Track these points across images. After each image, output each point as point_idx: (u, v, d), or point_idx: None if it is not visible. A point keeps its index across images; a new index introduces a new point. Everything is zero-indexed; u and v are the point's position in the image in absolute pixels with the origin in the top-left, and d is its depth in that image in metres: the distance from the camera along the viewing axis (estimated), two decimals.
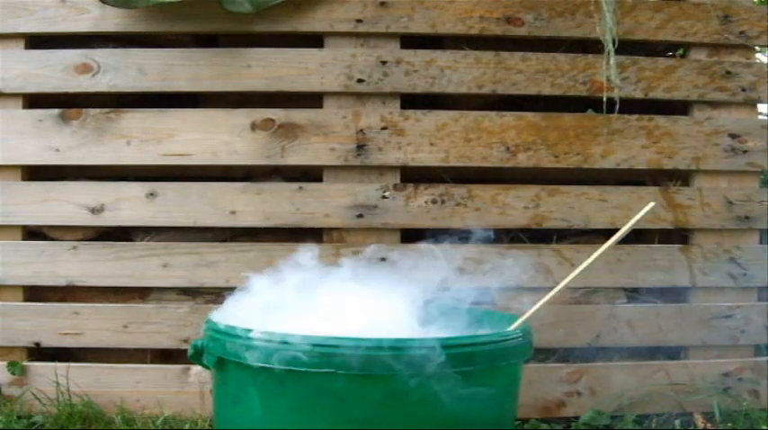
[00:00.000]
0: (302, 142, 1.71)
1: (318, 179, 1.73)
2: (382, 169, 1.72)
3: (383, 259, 1.59)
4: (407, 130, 1.72)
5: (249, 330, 1.11)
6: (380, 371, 1.05)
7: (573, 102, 1.77)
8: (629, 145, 1.74)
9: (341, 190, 1.71)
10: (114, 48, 1.73)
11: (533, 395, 1.70)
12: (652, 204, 1.25)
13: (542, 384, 1.71)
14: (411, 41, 1.74)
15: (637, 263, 1.73)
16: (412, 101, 1.75)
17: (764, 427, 1.63)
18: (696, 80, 1.76)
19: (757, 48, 1.84)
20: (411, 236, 1.71)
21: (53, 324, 1.69)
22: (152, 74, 1.70)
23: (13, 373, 1.67)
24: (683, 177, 1.80)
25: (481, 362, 1.10)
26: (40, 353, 1.70)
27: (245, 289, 1.28)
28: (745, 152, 1.76)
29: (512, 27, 1.74)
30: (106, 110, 1.71)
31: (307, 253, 1.31)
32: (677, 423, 1.67)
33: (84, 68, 1.70)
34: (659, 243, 1.77)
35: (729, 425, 1.66)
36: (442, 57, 1.73)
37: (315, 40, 1.73)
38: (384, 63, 1.72)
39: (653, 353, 1.77)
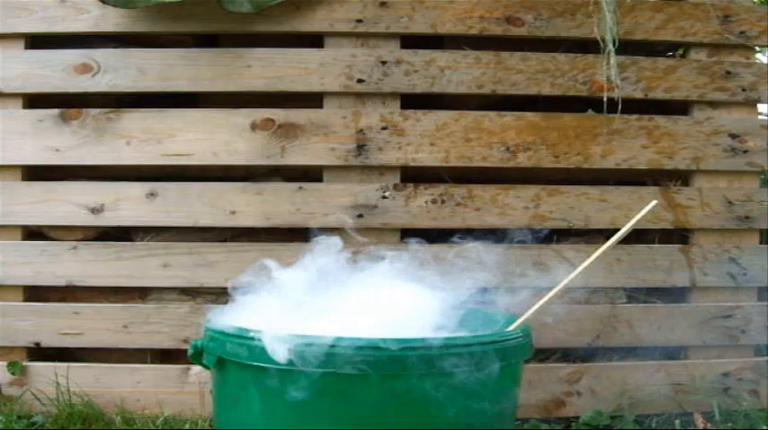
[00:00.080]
0: (302, 142, 1.71)
1: (318, 179, 1.73)
2: (382, 169, 1.72)
3: (383, 259, 1.59)
4: (407, 130, 1.72)
5: (249, 330, 1.11)
6: (380, 370, 1.05)
7: (573, 102, 1.77)
8: (629, 145, 1.75)
9: (341, 190, 1.71)
10: (114, 48, 1.73)
11: (533, 395, 1.70)
12: (654, 202, 1.25)
13: (542, 384, 1.71)
14: (411, 41, 1.74)
15: (637, 263, 1.73)
16: (412, 101, 1.75)
17: (764, 427, 1.63)
18: (696, 80, 1.77)
19: (757, 48, 1.84)
20: (411, 236, 1.71)
21: (53, 324, 1.69)
22: (152, 74, 1.70)
23: (13, 373, 1.67)
24: (683, 177, 1.80)
25: (481, 362, 1.10)
26: (40, 353, 1.70)
27: (245, 289, 1.28)
28: (745, 152, 1.76)
29: (512, 27, 1.74)
30: (106, 110, 1.71)
31: (306, 252, 1.31)
32: (677, 423, 1.67)
33: (84, 68, 1.70)
34: (659, 243, 1.77)
35: (729, 425, 1.66)
36: (441, 57, 1.73)
37: (315, 40, 1.73)
38: (384, 63, 1.72)
39: (653, 353, 1.77)
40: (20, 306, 1.70)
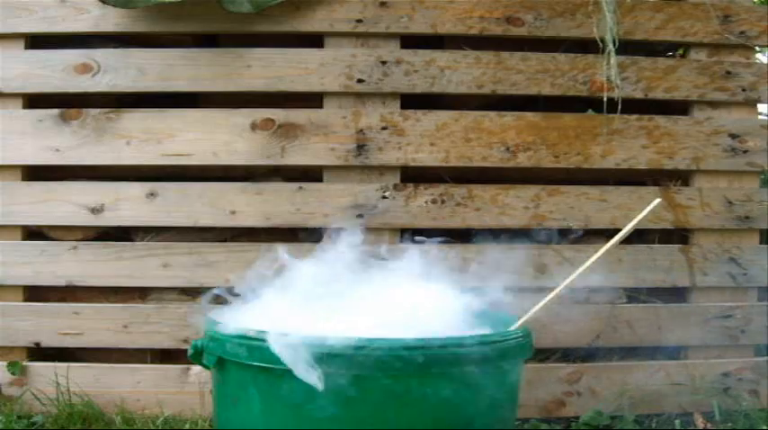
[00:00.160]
0: (302, 142, 1.71)
1: (318, 179, 1.73)
2: (382, 169, 1.72)
3: (383, 259, 1.59)
4: (407, 130, 1.72)
5: (249, 330, 1.11)
6: (380, 370, 1.05)
7: (573, 102, 1.77)
8: (629, 145, 1.75)
9: (341, 190, 1.71)
10: (114, 48, 1.73)
11: (533, 395, 1.70)
12: (658, 200, 1.23)
13: (542, 384, 1.71)
14: (411, 41, 1.74)
15: (637, 263, 1.73)
16: (412, 101, 1.75)
17: (764, 427, 1.63)
18: (696, 80, 1.76)
19: (757, 48, 1.84)
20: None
21: (53, 324, 1.69)
22: (152, 74, 1.70)
23: (13, 373, 1.67)
24: (683, 177, 1.80)
25: (482, 362, 1.10)
26: (40, 353, 1.70)
27: (245, 288, 1.28)
28: (745, 152, 1.76)
29: (512, 27, 1.74)
30: (106, 110, 1.71)
31: (306, 252, 1.31)
32: (677, 423, 1.67)
33: (84, 68, 1.70)
34: (659, 243, 1.77)
35: (729, 425, 1.66)
36: (441, 57, 1.73)
37: (315, 40, 1.73)
38: (384, 63, 1.72)
39: (653, 353, 1.77)
40: (20, 306, 1.70)
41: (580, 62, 1.75)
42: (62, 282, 1.69)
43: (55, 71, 1.70)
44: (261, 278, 1.27)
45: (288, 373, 1.05)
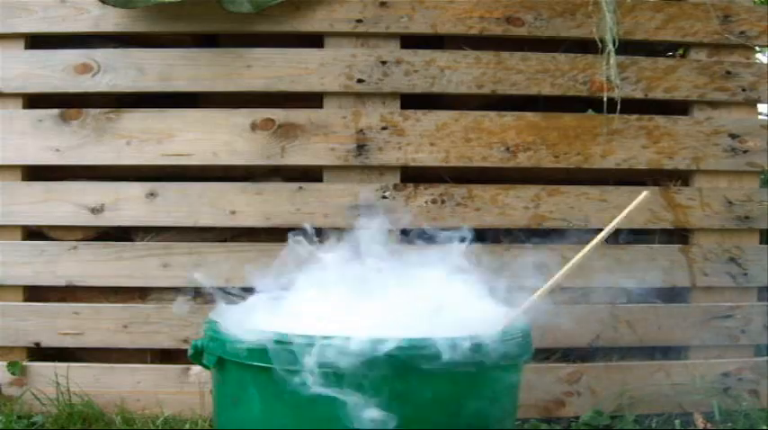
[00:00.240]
0: (302, 142, 1.71)
1: (318, 179, 1.73)
2: (382, 169, 1.72)
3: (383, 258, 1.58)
4: (407, 130, 1.72)
5: (249, 330, 1.11)
6: (379, 371, 1.05)
7: (573, 102, 1.77)
8: (629, 145, 1.75)
9: (341, 190, 1.71)
10: (114, 48, 1.73)
11: (533, 395, 1.70)
12: (646, 193, 1.23)
13: (542, 384, 1.71)
14: (411, 41, 1.74)
15: (637, 263, 1.73)
16: (412, 101, 1.75)
17: (764, 427, 1.63)
18: (696, 80, 1.76)
19: (757, 48, 1.84)
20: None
21: (53, 324, 1.69)
22: (152, 74, 1.70)
23: (13, 373, 1.67)
24: (683, 177, 1.80)
25: (481, 362, 1.10)
26: (40, 353, 1.70)
27: (245, 288, 1.28)
28: (745, 152, 1.76)
29: (512, 27, 1.74)
30: (106, 110, 1.71)
31: (306, 252, 1.31)
32: (677, 423, 1.67)
33: (84, 68, 1.70)
34: (659, 243, 1.77)
35: (729, 425, 1.66)
36: (441, 57, 1.73)
37: (315, 40, 1.73)
38: (384, 63, 1.72)
39: (653, 353, 1.77)
40: (20, 306, 1.70)
41: (580, 62, 1.75)
42: (62, 282, 1.69)
43: (55, 71, 1.70)
44: (261, 278, 1.27)
45: (288, 373, 1.05)
